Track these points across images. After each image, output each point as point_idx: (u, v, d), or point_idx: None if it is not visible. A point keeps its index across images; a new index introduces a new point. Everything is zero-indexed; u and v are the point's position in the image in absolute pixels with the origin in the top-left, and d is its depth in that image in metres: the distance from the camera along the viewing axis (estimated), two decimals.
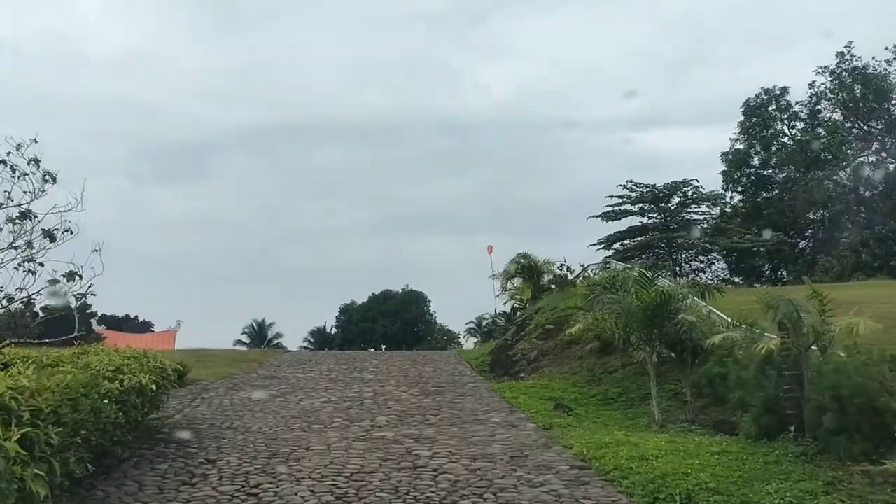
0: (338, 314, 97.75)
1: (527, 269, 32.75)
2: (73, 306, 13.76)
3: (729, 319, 15.84)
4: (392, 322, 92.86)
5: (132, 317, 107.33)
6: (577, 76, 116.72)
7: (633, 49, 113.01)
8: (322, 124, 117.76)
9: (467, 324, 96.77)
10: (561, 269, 32.44)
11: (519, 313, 33.49)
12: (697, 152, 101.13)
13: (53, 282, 11.64)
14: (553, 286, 32.64)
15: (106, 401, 9.62)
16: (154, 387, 12.13)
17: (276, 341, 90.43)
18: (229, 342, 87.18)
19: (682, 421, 14.59)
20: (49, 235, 11.73)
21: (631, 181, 52.60)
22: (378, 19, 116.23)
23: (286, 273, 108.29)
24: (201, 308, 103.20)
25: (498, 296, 39.85)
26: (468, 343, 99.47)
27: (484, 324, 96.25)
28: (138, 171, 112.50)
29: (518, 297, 34.98)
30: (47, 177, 11.73)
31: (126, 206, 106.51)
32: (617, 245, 51.40)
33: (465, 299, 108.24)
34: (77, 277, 11.64)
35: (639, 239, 48.84)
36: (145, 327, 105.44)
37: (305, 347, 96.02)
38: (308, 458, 11.61)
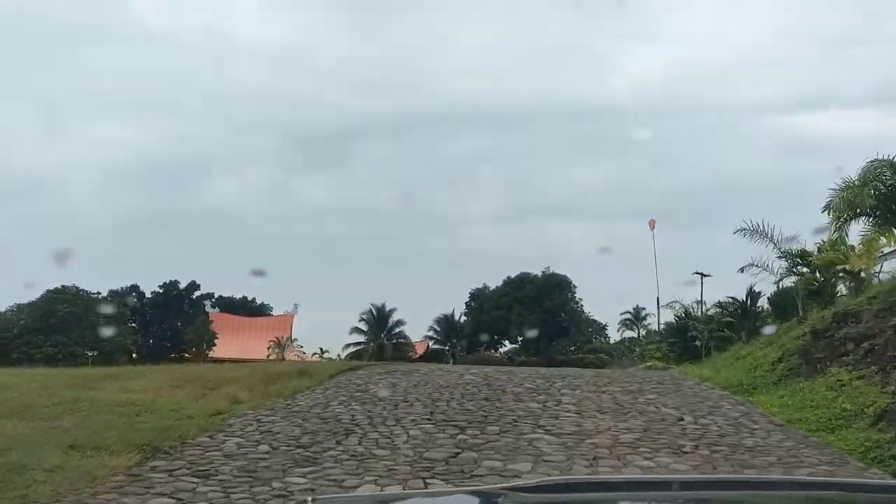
0: (467, 300, 79.08)
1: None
2: None
3: None
4: (530, 310, 73.61)
5: (249, 299, 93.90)
6: (728, 57, 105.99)
7: (790, 27, 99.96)
8: (462, 112, 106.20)
9: (622, 314, 77.77)
10: None
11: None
12: (865, 135, 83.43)
13: None
14: None
15: None
16: None
17: (397, 329, 73.47)
18: (347, 329, 72.43)
19: None
20: None
21: None
22: (518, 5, 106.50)
23: (418, 260, 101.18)
24: (328, 293, 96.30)
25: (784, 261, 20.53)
26: (618, 335, 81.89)
27: (645, 314, 77.15)
28: (288, 161, 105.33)
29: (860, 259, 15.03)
30: None
31: (276, 193, 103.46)
32: None
33: (609, 288, 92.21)
34: None
35: None
36: (263, 310, 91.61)
37: (430, 337, 78.83)
38: None
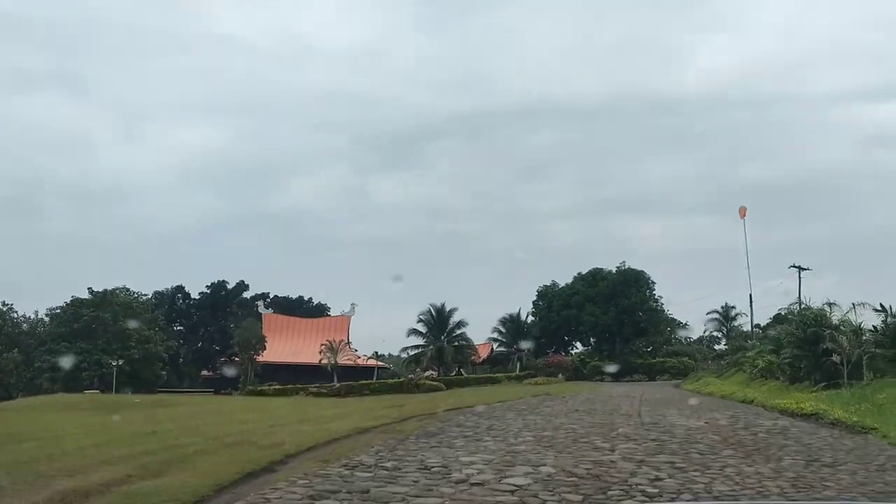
0: (535, 299, 70.20)
1: None
2: None
3: None
4: (603, 309, 64.24)
5: (306, 299, 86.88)
6: (808, 48, 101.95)
7: (870, 16, 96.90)
8: (536, 108, 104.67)
9: (708, 314, 67.50)
10: None
11: None
12: None
13: None
14: None
15: None
16: None
17: (458, 331, 64.98)
18: (404, 330, 64.59)
19: None
20: None
21: None
22: (593, 1, 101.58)
23: (486, 258, 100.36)
24: (391, 293, 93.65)
25: None
26: (705, 336, 70.81)
27: (735, 314, 65.82)
28: (361, 160, 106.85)
29: None
30: None
31: (349, 193, 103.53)
32: None
33: (690, 285, 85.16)
34: None
35: None
36: (321, 311, 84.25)
37: (494, 339, 70.08)
38: None
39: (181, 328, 69.30)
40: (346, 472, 7.22)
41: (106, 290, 54.61)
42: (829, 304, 26.60)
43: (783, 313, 51.59)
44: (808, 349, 25.95)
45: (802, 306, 28.06)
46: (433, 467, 7.56)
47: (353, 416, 13.02)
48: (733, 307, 61.48)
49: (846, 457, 8.90)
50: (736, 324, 61.13)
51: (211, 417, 14.02)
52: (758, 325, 55.45)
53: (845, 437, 10.81)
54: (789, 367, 28.62)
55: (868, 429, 11.43)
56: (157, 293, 68.06)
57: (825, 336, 24.72)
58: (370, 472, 7.25)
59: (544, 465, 7.86)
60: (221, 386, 66.82)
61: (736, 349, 48.44)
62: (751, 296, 54.39)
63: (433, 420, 12.29)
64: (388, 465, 7.66)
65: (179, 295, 70.20)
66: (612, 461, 8.26)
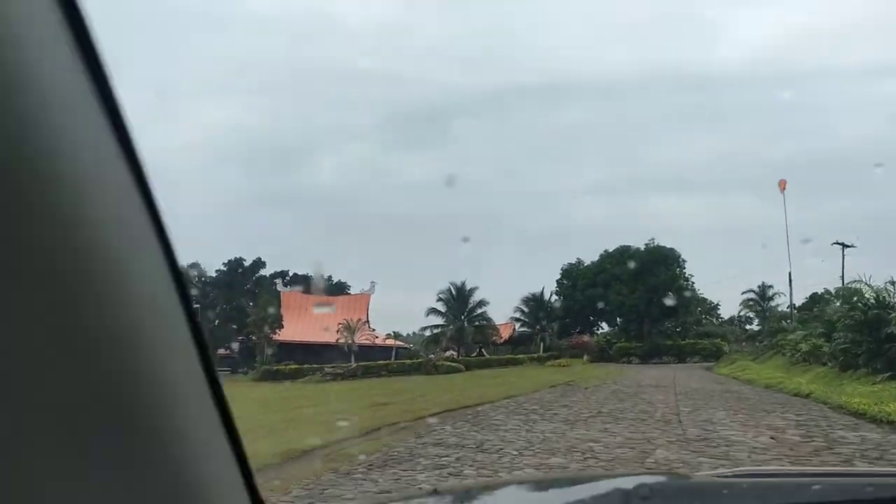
0: (559, 277, 66.68)
1: None
2: None
3: None
4: (631, 288, 60.55)
5: (326, 277, 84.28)
6: (843, 22, 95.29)
7: None
8: (565, 84, 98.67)
9: (743, 293, 63.56)
10: None
11: None
12: None
13: None
14: None
15: None
16: None
17: (479, 310, 61.92)
18: (424, 309, 61.71)
19: None
20: None
21: None
22: None
23: (511, 237, 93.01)
24: (412, 271, 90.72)
25: None
26: (738, 316, 67.01)
27: (773, 294, 61.46)
28: (386, 138, 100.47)
29: None
30: None
31: (371, 171, 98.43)
32: None
33: (719, 266, 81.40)
34: None
35: None
36: (340, 289, 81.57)
37: (517, 319, 66.88)
38: None
39: (197, 306, 66.66)
40: None
41: None
42: (893, 283, 22.96)
43: (820, 293, 48.18)
44: (870, 333, 22.45)
45: (862, 284, 24.40)
46: None
47: (306, 425, 9.99)
48: (770, 286, 57.52)
49: None
50: (773, 304, 57.18)
51: None
52: (793, 306, 51.89)
53: None
54: (843, 353, 25.15)
55: None
56: None
57: (891, 320, 21.22)
58: None
59: None
60: (238, 366, 64.80)
61: (774, 331, 44.92)
62: (790, 274, 50.55)
63: (408, 433, 9.19)
64: None
65: (195, 273, 67.74)
66: None
